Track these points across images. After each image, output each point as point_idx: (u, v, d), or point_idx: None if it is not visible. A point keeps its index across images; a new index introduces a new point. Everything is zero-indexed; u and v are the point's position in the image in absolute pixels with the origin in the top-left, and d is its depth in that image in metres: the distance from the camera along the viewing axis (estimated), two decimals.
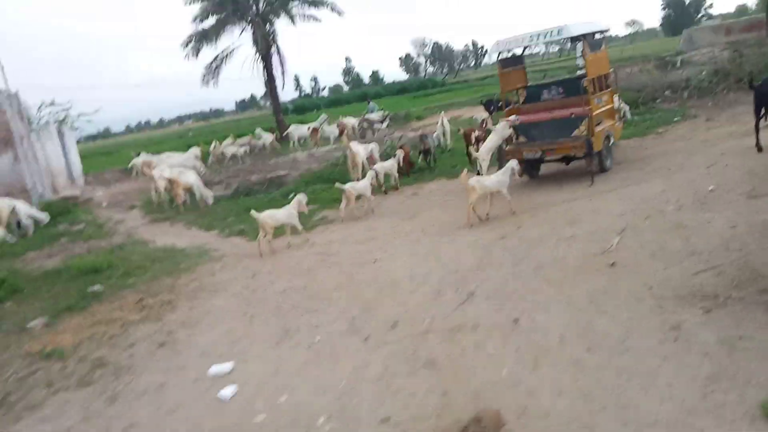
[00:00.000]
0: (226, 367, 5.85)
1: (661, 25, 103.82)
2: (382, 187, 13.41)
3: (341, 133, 21.94)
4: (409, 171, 14.77)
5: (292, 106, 63.85)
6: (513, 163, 9.83)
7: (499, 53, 12.15)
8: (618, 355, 4.69)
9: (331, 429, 4.50)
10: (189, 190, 15.48)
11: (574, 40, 12.59)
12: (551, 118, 11.35)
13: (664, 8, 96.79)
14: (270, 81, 30.98)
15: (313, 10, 30.59)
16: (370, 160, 14.76)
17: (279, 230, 10.30)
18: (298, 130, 24.57)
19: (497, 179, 9.65)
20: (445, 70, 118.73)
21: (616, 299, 5.72)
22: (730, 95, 16.38)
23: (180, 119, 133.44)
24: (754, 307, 4.95)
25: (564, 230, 8.20)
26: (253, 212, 10.17)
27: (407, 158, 14.69)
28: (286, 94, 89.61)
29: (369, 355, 5.59)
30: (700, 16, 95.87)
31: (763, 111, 10.62)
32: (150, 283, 9.15)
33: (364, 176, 12.60)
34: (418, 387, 4.84)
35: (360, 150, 14.29)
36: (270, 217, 10.02)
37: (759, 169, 9.27)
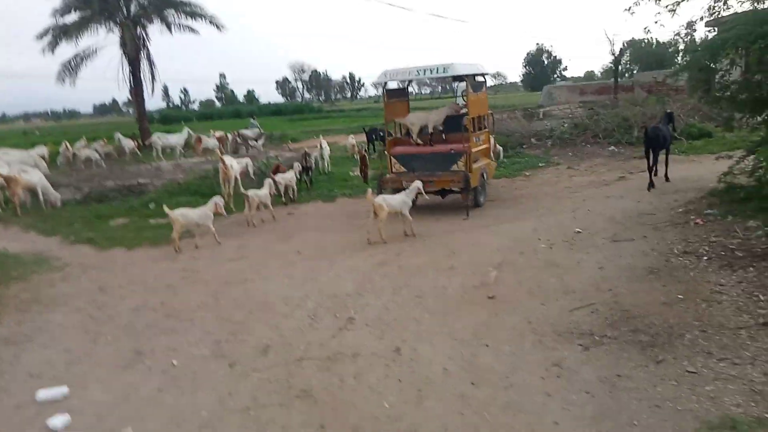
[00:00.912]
0: (58, 391, 4.96)
1: (522, 80, 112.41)
2: (282, 198, 13.14)
3: (222, 143, 20.95)
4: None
5: (159, 116, 60.38)
6: (417, 184, 9.85)
7: (385, 83, 12.14)
8: (503, 390, 4.54)
9: None
10: (31, 190, 13.74)
11: (457, 79, 12.93)
12: (431, 152, 11.49)
13: (525, 65, 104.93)
14: (136, 86, 28.80)
15: (190, 21, 29.11)
16: (242, 175, 14.04)
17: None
18: (162, 139, 22.94)
19: (401, 199, 9.66)
20: (321, 98, 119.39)
21: (498, 333, 5.64)
22: (587, 147, 17.75)
23: (26, 116, 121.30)
24: (629, 346, 5.06)
25: (443, 261, 8.15)
26: (165, 208, 9.63)
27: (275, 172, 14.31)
28: (153, 103, 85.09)
29: (236, 384, 4.98)
30: (555, 75, 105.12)
31: (651, 154, 11.79)
32: None
33: (235, 192, 11.95)
34: (292, 420, 4.35)
35: (234, 164, 13.52)
36: (182, 215, 9.63)
37: (618, 216, 9.93)
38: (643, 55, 67.37)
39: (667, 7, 10.71)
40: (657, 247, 7.90)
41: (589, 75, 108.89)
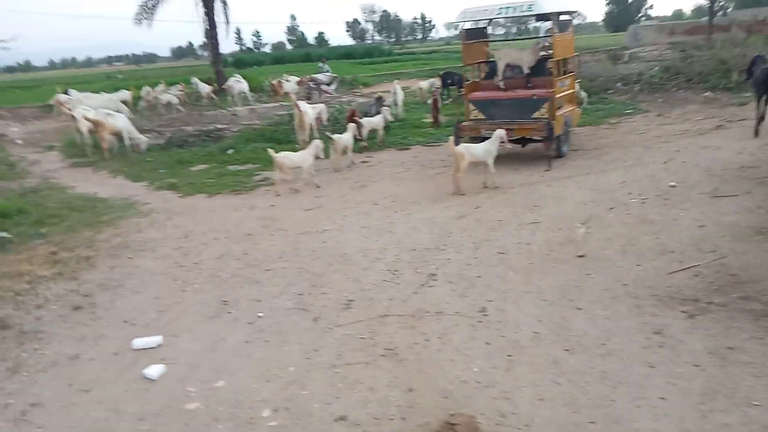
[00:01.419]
0: (153, 340, 5.09)
1: (603, 20, 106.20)
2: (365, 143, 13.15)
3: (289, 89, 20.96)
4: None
5: (233, 59, 60.93)
6: (500, 132, 9.42)
7: (464, 23, 11.52)
8: (600, 358, 4.27)
9: (278, 426, 3.87)
10: (118, 135, 14.17)
11: (541, 18, 12.13)
12: (512, 98, 10.93)
13: (608, 4, 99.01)
14: (211, 29, 29.02)
15: None
16: (318, 121, 13.94)
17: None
18: (239, 84, 23.12)
19: (484, 148, 9.30)
20: (391, 40, 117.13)
21: (590, 295, 5.33)
22: (679, 93, 16.50)
23: (109, 60, 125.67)
24: (739, 315, 4.66)
25: (525, 215, 7.81)
26: (270, 151, 9.99)
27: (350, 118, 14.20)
28: (227, 46, 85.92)
29: (320, 339, 4.96)
30: (640, 15, 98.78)
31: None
32: (66, 235, 8.15)
33: (311, 139, 11.86)
34: (378, 380, 4.27)
35: (309, 110, 13.42)
36: (287, 157, 9.91)
37: (716, 168, 9.19)
38: None
39: None
40: (765, 204, 7.25)
41: (678, 14, 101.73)
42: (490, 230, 7.31)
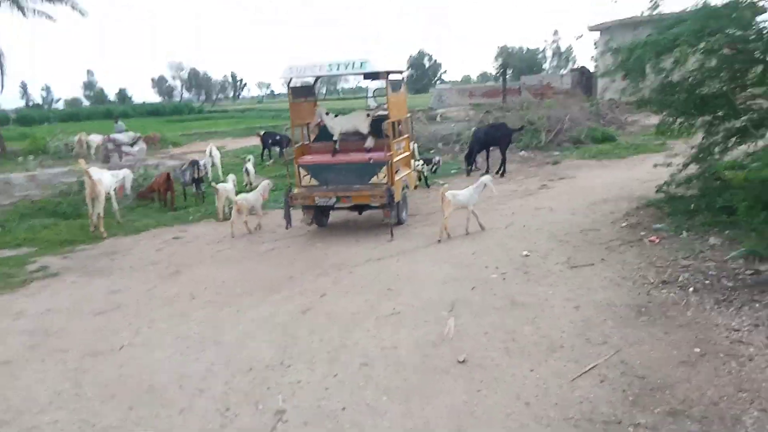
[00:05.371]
0: None
1: (405, 82, 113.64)
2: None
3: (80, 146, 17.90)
4: (169, 202, 12.10)
5: (15, 116, 53.47)
6: (486, 179, 9.26)
7: (290, 80, 10.16)
8: None
9: None
10: None
11: (370, 77, 11.23)
12: (347, 162, 9.74)
13: (408, 68, 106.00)
14: None
15: (47, 6, 25.17)
16: (119, 191, 11.52)
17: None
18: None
19: (469, 194, 9.18)
20: (202, 97, 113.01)
21: (491, 426, 4.02)
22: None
23: None
24: None
25: (382, 303, 6.43)
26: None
27: (165, 185, 12.07)
28: (9, 101, 76.11)
29: None
30: (436, 79, 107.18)
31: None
32: None
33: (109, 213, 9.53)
34: None
35: (105, 177, 10.87)
36: (244, 199, 10.12)
37: (559, 232, 8.75)
38: (514, 60, 70.06)
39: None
40: (626, 275, 6.69)
41: (466, 78, 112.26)
42: (345, 330, 5.79)
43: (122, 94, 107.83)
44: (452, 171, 14.98)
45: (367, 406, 4.38)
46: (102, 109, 68.14)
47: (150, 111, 67.28)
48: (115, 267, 8.59)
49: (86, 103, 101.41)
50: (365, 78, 10.96)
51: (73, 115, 62.44)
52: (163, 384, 4.90)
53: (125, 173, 12.25)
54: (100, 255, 9.29)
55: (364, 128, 9.98)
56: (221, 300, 6.90)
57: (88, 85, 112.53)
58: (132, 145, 19.17)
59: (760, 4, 7.94)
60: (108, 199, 10.84)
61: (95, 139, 20.13)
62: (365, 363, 5.06)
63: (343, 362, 5.10)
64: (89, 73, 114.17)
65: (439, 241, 8.87)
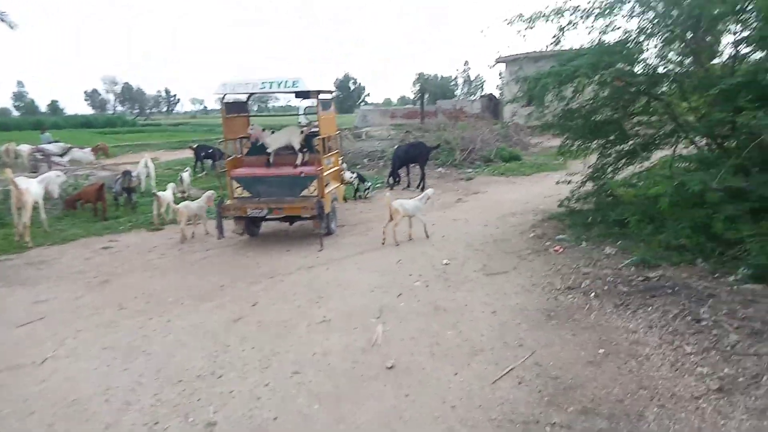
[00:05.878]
0: None
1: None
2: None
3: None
4: (101, 211, 11.25)
5: None
6: (430, 192, 9.43)
7: (224, 96, 9.70)
8: None
9: None
10: None
11: (302, 95, 10.92)
12: (279, 175, 9.39)
13: (334, 90, 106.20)
14: None
15: None
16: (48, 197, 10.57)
17: None
18: None
19: (414, 204, 9.14)
20: (135, 111, 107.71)
21: (418, 429, 3.85)
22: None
23: None
24: None
25: (312, 311, 6.15)
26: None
27: (96, 195, 11.24)
28: None
29: None
30: (360, 101, 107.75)
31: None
32: None
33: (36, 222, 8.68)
34: None
35: (32, 187, 9.90)
36: (185, 206, 9.70)
37: (474, 242, 8.81)
38: (431, 86, 71.60)
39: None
40: (535, 281, 6.77)
41: (387, 101, 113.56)
42: (276, 337, 5.47)
43: (54, 106, 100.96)
44: (377, 185, 14.85)
45: (299, 413, 4.10)
46: (32, 120, 63.10)
47: (82, 123, 62.94)
48: (41, 277, 7.81)
49: (16, 113, 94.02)
50: (297, 96, 10.64)
51: (1, 125, 57.46)
52: (87, 397, 4.40)
53: (49, 177, 11.13)
54: (25, 265, 8.43)
55: (297, 143, 9.70)
56: (151, 309, 6.37)
57: (18, 96, 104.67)
58: (62, 155, 17.80)
59: (645, 43, 8.35)
60: (35, 208, 9.91)
61: (24, 149, 18.54)
62: (297, 371, 4.76)
63: (275, 370, 4.78)
64: (19, 84, 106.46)
65: (383, 243, 8.91)
